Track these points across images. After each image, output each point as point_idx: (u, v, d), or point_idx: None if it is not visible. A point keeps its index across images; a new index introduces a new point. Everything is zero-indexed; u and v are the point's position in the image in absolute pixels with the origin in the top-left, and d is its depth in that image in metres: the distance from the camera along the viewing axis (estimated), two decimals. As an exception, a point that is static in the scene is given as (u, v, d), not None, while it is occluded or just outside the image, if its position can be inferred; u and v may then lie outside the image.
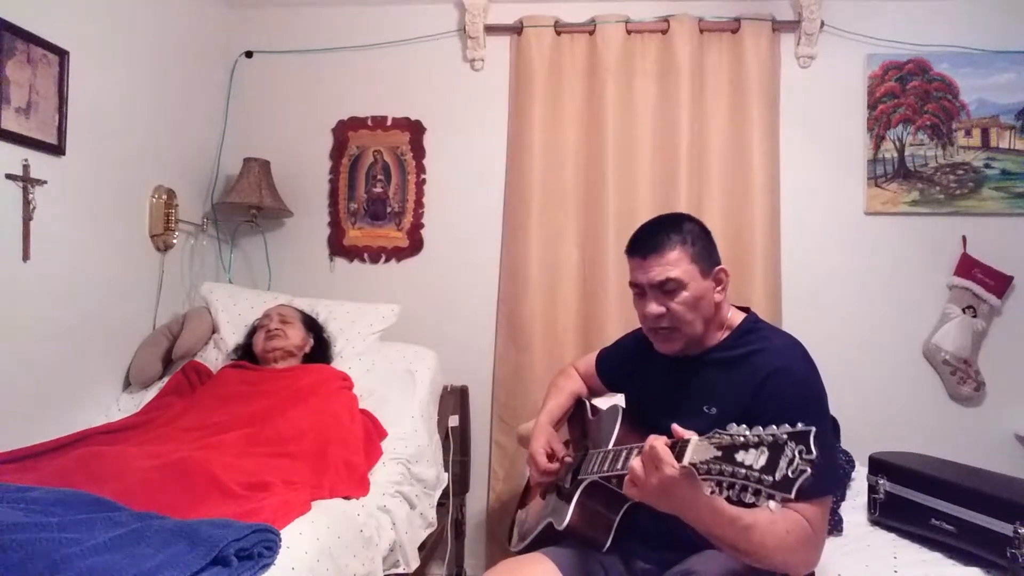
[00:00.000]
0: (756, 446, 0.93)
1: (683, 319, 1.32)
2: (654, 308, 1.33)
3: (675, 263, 1.31)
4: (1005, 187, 2.57)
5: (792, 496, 0.87)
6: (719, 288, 1.36)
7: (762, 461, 0.91)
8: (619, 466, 1.27)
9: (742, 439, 0.95)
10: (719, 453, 0.97)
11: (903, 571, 1.57)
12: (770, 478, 0.89)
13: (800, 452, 0.88)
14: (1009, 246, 2.55)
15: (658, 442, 1.07)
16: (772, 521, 1.09)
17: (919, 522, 1.68)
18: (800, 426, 0.91)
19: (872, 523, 1.83)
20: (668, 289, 1.31)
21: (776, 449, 0.90)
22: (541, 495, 1.62)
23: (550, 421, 1.61)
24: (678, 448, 1.05)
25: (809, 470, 0.87)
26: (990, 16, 2.60)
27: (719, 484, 0.95)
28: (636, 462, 1.10)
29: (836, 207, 2.66)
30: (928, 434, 2.45)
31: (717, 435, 0.99)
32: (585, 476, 1.38)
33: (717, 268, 1.36)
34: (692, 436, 1.05)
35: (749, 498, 0.91)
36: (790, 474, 0.87)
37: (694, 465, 1.00)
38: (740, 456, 0.93)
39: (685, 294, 1.31)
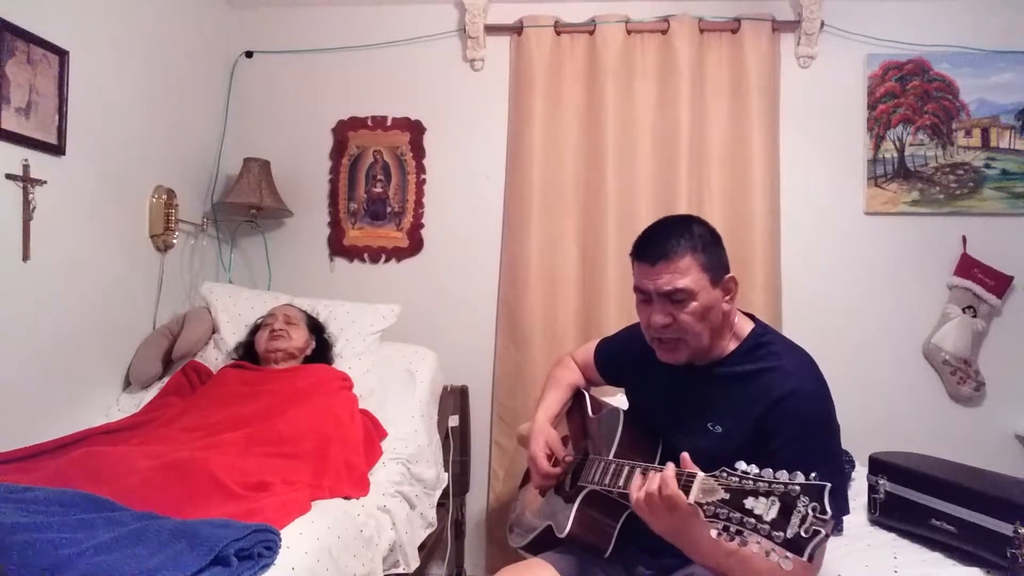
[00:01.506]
0: (767, 495, 0.89)
1: (690, 330, 1.26)
2: (660, 318, 1.26)
3: (685, 271, 1.23)
4: (1005, 187, 2.57)
5: (804, 559, 0.84)
6: (728, 297, 1.29)
7: (773, 513, 0.87)
8: (620, 483, 1.23)
9: (751, 484, 0.91)
10: (727, 496, 0.93)
11: (903, 571, 1.57)
12: (781, 534, 0.85)
13: (814, 509, 0.85)
14: (1009, 246, 2.55)
15: (669, 489, 1.03)
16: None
17: (919, 522, 1.67)
18: (814, 477, 0.87)
19: (872, 523, 1.83)
20: (677, 299, 1.24)
21: (788, 501, 0.87)
22: (541, 493, 1.61)
23: (548, 418, 1.58)
24: (682, 482, 1.02)
25: (823, 532, 0.83)
26: (990, 16, 2.60)
27: (725, 529, 0.92)
28: (642, 494, 1.06)
29: (836, 207, 2.66)
30: (928, 434, 2.45)
31: (725, 475, 0.95)
32: (585, 484, 1.36)
33: (727, 277, 1.29)
34: (699, 473, 1.01)
35: (755, 548, 0.88)
36: (803, 533, 0.84)
37: (699, 505, 0.97)
38: (749, 503, 0.90)
39: (694, 304, 1.24)
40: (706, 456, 1.06)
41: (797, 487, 0.87)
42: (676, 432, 1.32)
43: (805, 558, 0.84)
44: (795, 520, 0.85)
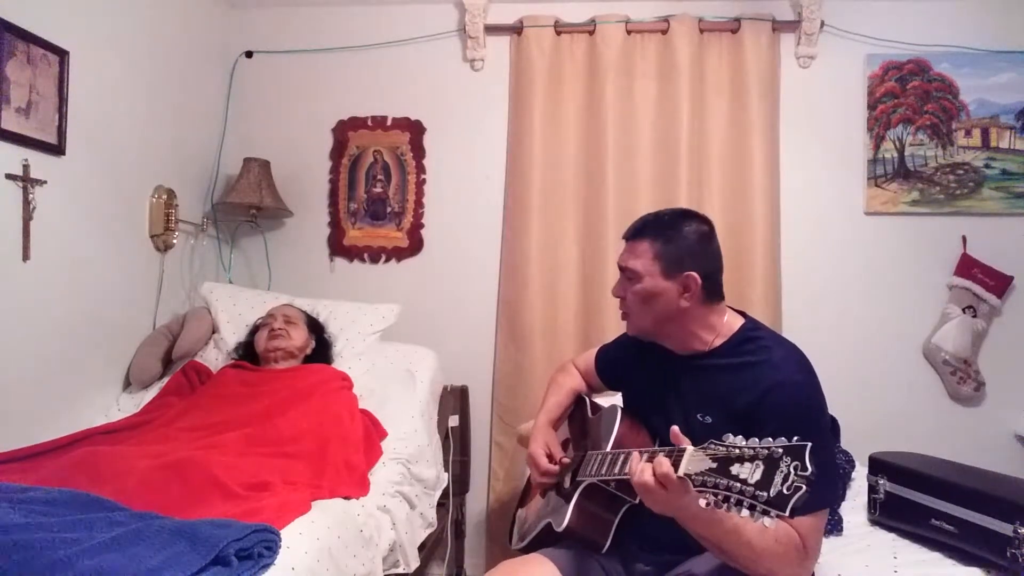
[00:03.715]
0: (751, 459, 0.92)
1: (632, 309, 1.37)
2: (616, 289, 1.41)
3: (639, 254, 1.34)
4: (1005, 187, 2.57)
5: (787, 514, 0.87)
6: (686, 294, 1.32)
7: (757, 476, 0.90)
8: (616, 470, 1.26)
9: (737, 451, 0.94)
10: (714, 465, 0.96)
11: (903, 571, 1.57)
12: (765, 494, 0.88)
13: (795, 468, 0.87)
14: (1009, 246, 2.55)
15: (663, 466, 1.05)
16: (762, 529, 1.09)
17: (919, 522, 1.67)
18: (796, 440, 0.90)
19: (872, 523, 1.83)
20: (628, 276, 1.36)
21: (771, 463, 0.89)
22: (541, 494, 1.61)
23: (549, 421, 1.61)
24: (673, 458, 1.05)
25: (804, 487, 0.86)
26: (990, 16, 2.60)
27: (714, 497, 0.94)
28: (642, 477, 1.08)
29: (836, 207, 2.66)
30: (928, 434, 2.45)
31: (712, 446, 0.98)
32: (584, 478, 1.38)
33: (684, 273, 1.31)
34: (687, 446, 1.04)
35: (744, 512, 0.91)
36: (784, 491, 0.87)
37: (689, 476, 0.99)
38: (735, 469, 0.92)
39: (638, 286, 1.34)
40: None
41: (780, 449, 0.90)
42: (668, 424, 1.34)
43: (787, 513, 0.87)
44: (778, 479, 0.88)
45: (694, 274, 1.32)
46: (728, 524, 1.09)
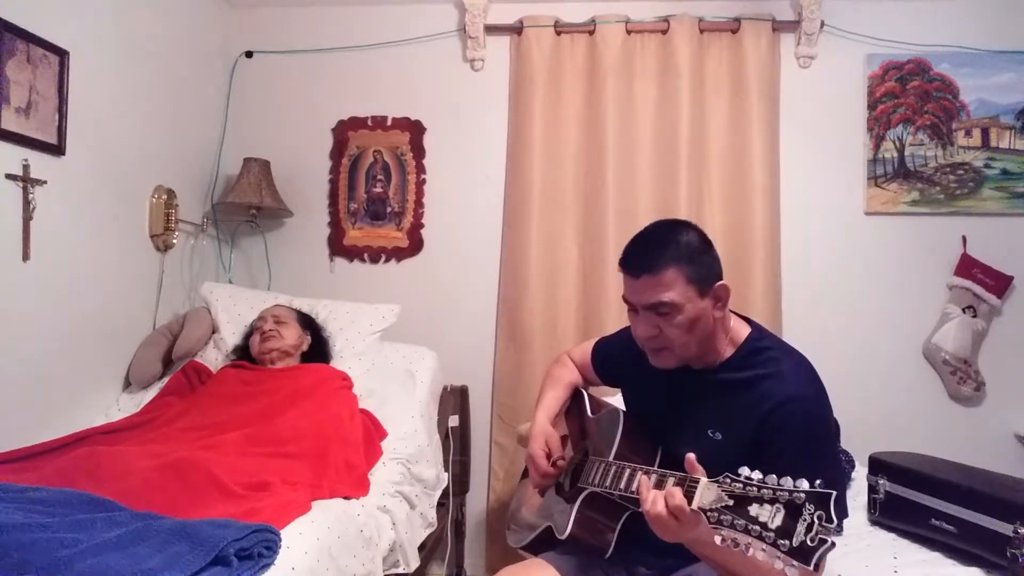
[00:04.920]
0: (771, 502, 0.87)
1: (677, 341, 1.25)
2: (644, 330, 1.26)
3: (669, 285, 1.21)
4: (1005, 187, 2.57)
5: (811, 568, 0.82)
6: (719, 305, 1.26)
7: (777, 521, 0.85)
8: (622, 486, 1.22)
9: (755, 491, 0.90)
10: (731, 502, 0.92)
11: (903, 571, 1.56)
12: (786, 543, 0.84)
13: (820, 518, 0.83)
14: (1009, 246, 2.55)
15: (676, 498, 1.01)
16: None
17: (919, 522, 1.67)
18: (819, 485, 0.86)
19: (872, 523, 1.83)
20: (662, 312, 1.23)
21: (793, 509, 0.85)
22: (540, 494, 1.60)
23: (548, 419, 1.58)
24: (686, 487, 1.01)
25: (830, 540, 0.82)
26: (990, 16, 2.60)
27: (732, 536, 0.91)
28: (661, 508, 1.04)
29: (836, 207, 2.66)
30: (928, 434, 2.45)
31: (730, 480, 0.94)
32: (585, 486, 1.35)
33: (717, 285, 1.25)
34: (702, 478, 1.00)
35: (760, 555, 0.86)
36: (808, 542, 0.82)
37: (703, 511, 0.96)
38: (753, 510, 0.88)
39: (680, 317, 1.22)
40: (706, 464, 1.05)
41: (802, 494, 0.85)
42: (675, 438, 1.31)
43: (812, 567, 0.83)
44: (800, 528, 0.83)
45: (724, 284, 1.26)
46: (740, 561, 1.06)
